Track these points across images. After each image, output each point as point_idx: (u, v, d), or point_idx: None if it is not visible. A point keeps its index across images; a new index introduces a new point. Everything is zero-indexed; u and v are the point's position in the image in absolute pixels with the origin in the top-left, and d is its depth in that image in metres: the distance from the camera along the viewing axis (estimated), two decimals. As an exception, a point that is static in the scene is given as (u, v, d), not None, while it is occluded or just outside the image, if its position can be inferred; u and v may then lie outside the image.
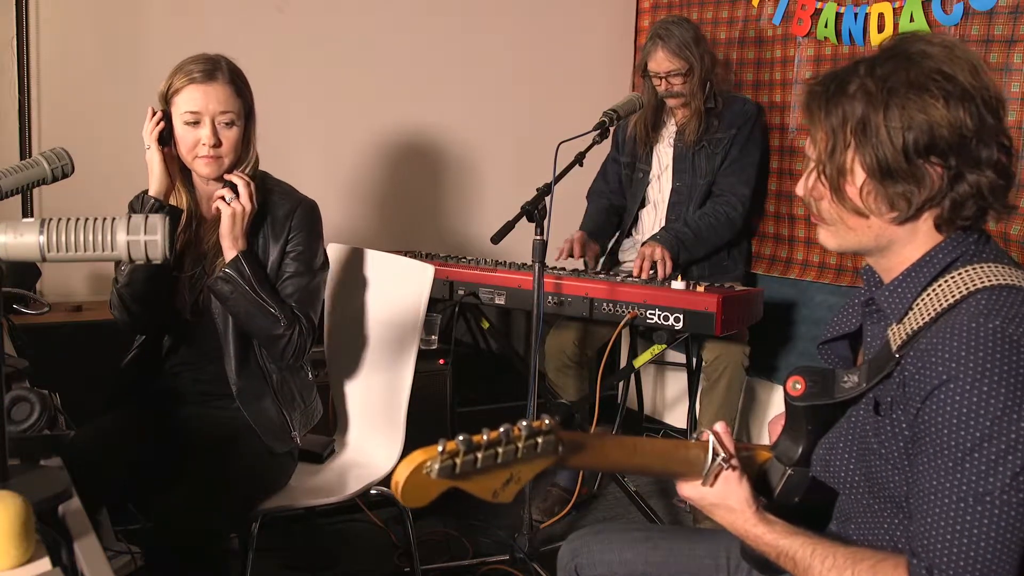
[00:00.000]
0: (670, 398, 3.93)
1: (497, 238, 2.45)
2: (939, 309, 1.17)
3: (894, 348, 1.20)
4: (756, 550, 1.28)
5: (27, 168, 1.78)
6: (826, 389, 1.31)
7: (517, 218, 2.41)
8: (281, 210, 2.05)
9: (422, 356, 2.32)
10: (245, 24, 3.18)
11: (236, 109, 1.98)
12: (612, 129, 2.62)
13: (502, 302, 2.91)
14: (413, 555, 2.33)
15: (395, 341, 2.32)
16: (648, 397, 3.94)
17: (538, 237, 2.38)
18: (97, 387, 2.07)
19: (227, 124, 1.97)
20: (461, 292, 2.96)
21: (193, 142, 1.96)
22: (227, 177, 1.99)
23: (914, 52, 1.19)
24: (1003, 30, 2.60)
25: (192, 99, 1.94)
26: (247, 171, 2.02)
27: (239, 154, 2.01)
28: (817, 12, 3.12)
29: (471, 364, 3.36)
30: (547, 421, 1.09)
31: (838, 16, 3.05)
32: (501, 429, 1.05)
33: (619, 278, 2.86)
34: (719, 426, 1.31)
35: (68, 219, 1.22)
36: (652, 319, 2.69)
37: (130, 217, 1.23)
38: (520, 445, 1.06)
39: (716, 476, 1.28)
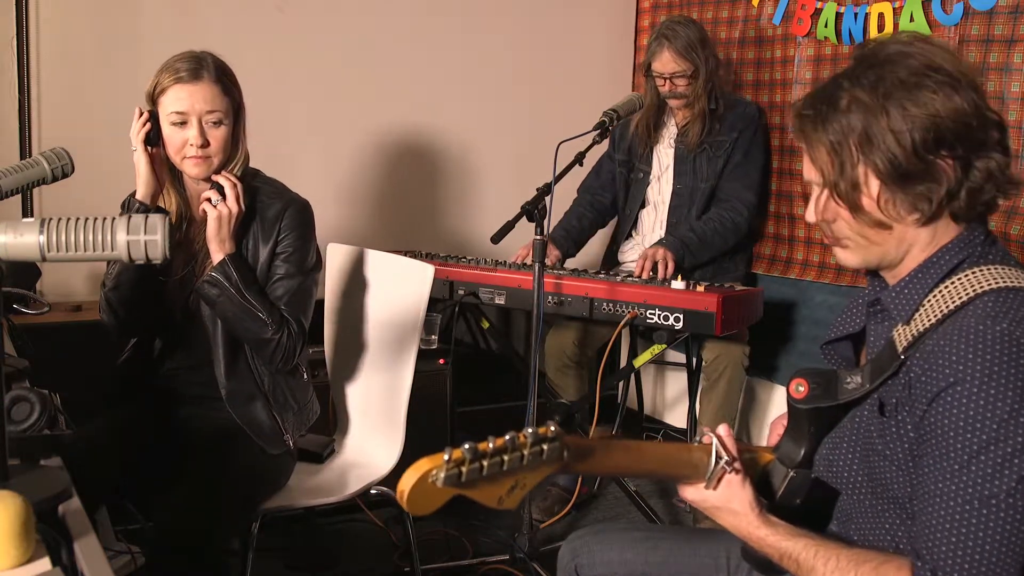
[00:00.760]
0: (670, 398, 3.93)
1: (497, 238, 2.45)
2: (946, 311, 1.17)
3: (899, 349, 1.20)
4: (758, 551, 1.28)
5: (27, 168, 1.78)
6: (829, 391, 1.31)
7: (517, 218, 2.41)
8: (271, 210, 2.02)
9: (422, 356, 2.32)
10: (245, 24, 3.18)
11: (223, 108, 1.94)
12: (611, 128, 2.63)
13: (502, 302, 2.91)
14: (413, 555, 2.33)
15: (395, 341, 2.32)
16: (648, 397, 3.94)
17: (538, 237, 2.38)
18: (97, 387, 2.07)
19: (214, 123, 1.94)
20: (461, 292, 2.96)
21: (180, 143, 1.93)
22: (214, 178, 1.96)
23: (892, 54, 1.19)
24: (1003, 30, 2.60)
25: (178, 99, 1.91)
26: (237, 169, 1.99)
27: (228, 153, 1.98)
28: (817, 12, 3.12)
29: (471, 364, 3.36)
30: (552, 428, 1.08)
31: (838, 16, 3.05)
32: (507, 437, 1.04)
33: (619, 278, 2.86)
34: (721, 429, 1.30)
35: (68, 219, 1.22)
36: (652, 319, 2.69)
37: (130, 217, 1.23)
38: (526, 452, 1.06)
39: (719, 479, 1.28)
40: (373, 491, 2.24)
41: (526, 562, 2.54)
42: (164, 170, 1.98)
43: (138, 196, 1.95)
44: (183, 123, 1.92)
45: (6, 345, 1.71)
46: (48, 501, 1.24)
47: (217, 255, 1.94)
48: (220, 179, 1.95)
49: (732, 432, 1.31)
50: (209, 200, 1.93)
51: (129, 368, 2.08)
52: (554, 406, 2.95)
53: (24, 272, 2.53)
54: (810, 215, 1.28)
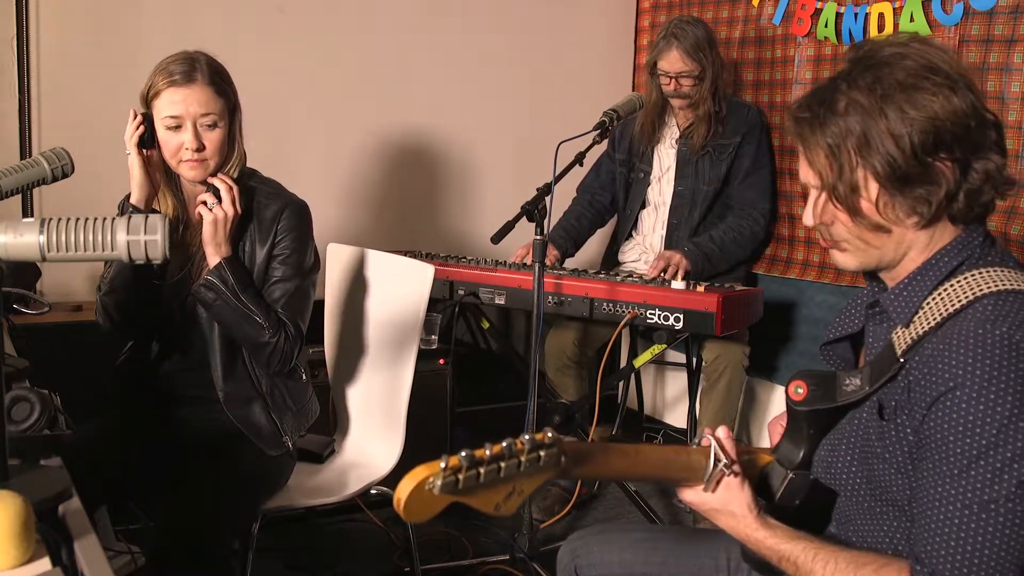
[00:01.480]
0: (670, 398, 3.93)
1: (497, 238, 2.45)
2: (945, 314, 1.16)
3: (899, 352, 1.20)
4: (757, 553, 1.28)
5: (27, 168, 1.78)
6: (828, 393, 1.30)
7: (517, 218, 2.41)
8: (268, 211, 2.01)
9: (422, 356, 2.32)
10: (245, 24, 3.18)
11: (217, 110, 1.92)
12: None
13: (502, 302, 2.91)
14: (413, 555, 2.33)
15: (395, 341, 2.32)
16: (648, 397, 3.94)
17: (538, 237, 2.38)
18: (97, 387, 2.07)
19: (209, 126, 1.92)
20: (461, 292, 2.96)
21: (176, 147, 1.91)
22: (210, 180, 1.94)
23: (889, 55, 1.19)
24: (1003, 30, 2.60)
25: (171, 103, 1.89)
26: (233, 171, 1.99)
27: (224, 154, 1.96)
28: (817, 12, 3.12)
29: (471, 364, 3.36)
30: (550, 434, 1.08)
31: (838, 16, 3.05)
32: (504, 444, 1.04)
33: (619, 278, 2.86)
34: (721, 431, 1.30)
35: (68, 219, 1.22)
36: (652, 319, 2.69)
37: (130, 217, 1.23)
38: (523, 459, 1.05)
39: (718, 482, 1.28)
40: (373, 491, 2.24)
41: (526, 562, 2.54)
42: (159, 173, 1.97)
43: (132, 200, 1.94)
44: (178, 127, 1.90)
45: (6, 345, 1.71)
46: (48, 501, 1.24)
47: (213, 258, 1.93)
48: (216, 181, 1.94)
49: (731, 434, 1.31)
50: (204, 203, 1.92)
51: (128, 369, 2.07)
52: (554, 406, 2.95)
53: (24, 272, 2.53)
54: (807, 218, 1.27)
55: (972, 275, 1.18)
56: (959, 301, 1.16)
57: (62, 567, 1.09)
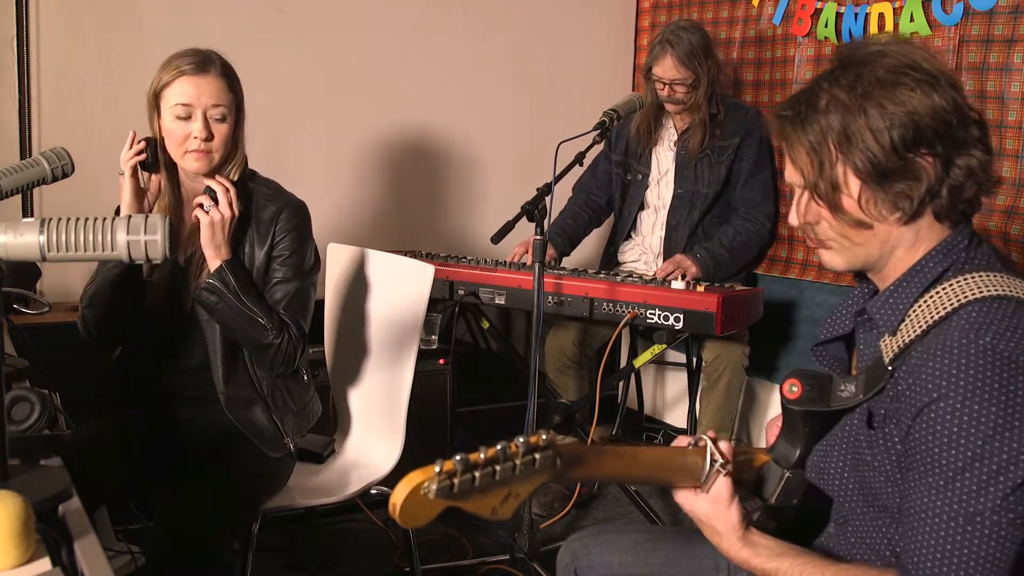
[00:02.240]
0: (670, 398, 3.93)
1: (497, 238, 2.45)
2: (930, 321, 1.16)
3: (887, 360, 1.20)
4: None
5: (27, 168, 1.78)
6: (822, 396, 1.30)
7: (517, 218, 2.41)
8: (267, 211, 2.01)
9: (422, 356, 2.32)
10: (245, 24, 3.18)
11: (228, 103, 1.94)
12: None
13: (502, 302, 2.91)
14: (413, 555, 2.33)
15: (395, 341, 2.32)
16: (648, 397, 3.94)
17: (538, 237, 2.38)
18: (97, 387, 2.07)
19: (218, 119, 1.93)
20: (461, 292, 2.96)
21: (183, 136, 1.91)
22: (206, 182, 1.94)
23: (870, 54, 1.19)
24: (1003, 30, 2.60)
25: (183, 91, 1.90)
26: (234, 172, 1.98)
27: (228, 151, 1.97)
28: (817, 12, 3.12)
29: (471, 364, 3.36)
30: (544, 436, 1.08)
31: (838, 16, 3.05)
32: (498, 447, 1.04)
33: (619, 278, 2.87)
34: (723, 445, 1.30)
35: (68, 219, 1.22)
36: (652, 319, 2.69)
37: (130, 217, 1.23)
38: (518, 462, 1.05)
39: (714, 481, 1.28)
40: (373, 491, 2.24)
41: (526, 562, 2.54)
42: (151, 199, 1.96)
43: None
44: (187, 116, 1.90)
45: (6, 345, 1.71)
46: (48, 501, 1.24)
47: (214, 261, 1.91)
48: (212, 183, 1.93)
49: (731, 446, 1.31)
50: (201, 206, 1.91)
51: (126, 370, 2.07)
52: (554, 406, 2.95)
53: (24, 272, 2.52)
54: (792, 218, 1.28)
55: (957, 281, 1.17)
56: (944, 309, 1.15)
57: (62, 567, 1.09)
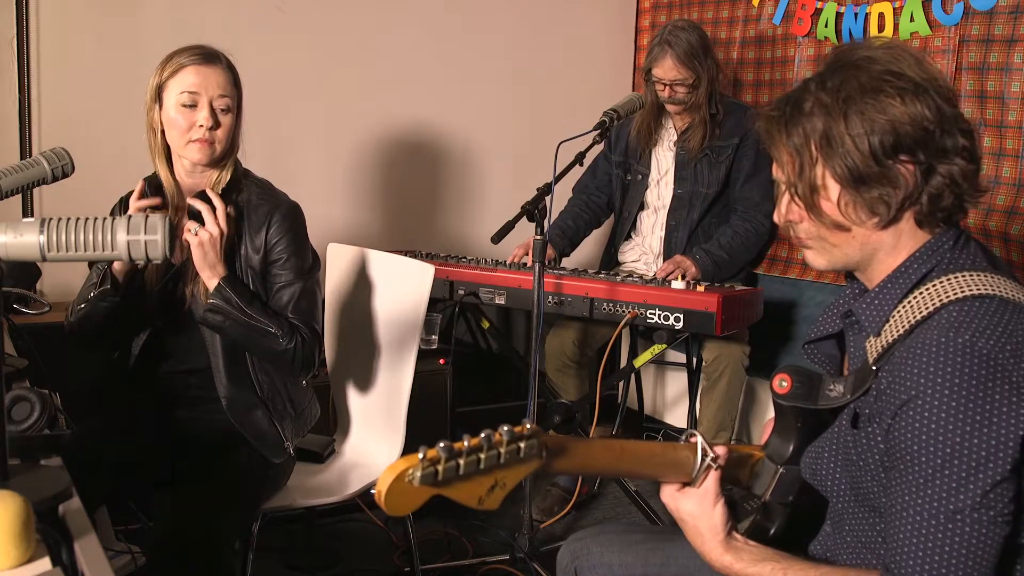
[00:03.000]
0: (670, 398, 3.93)
1: (497, 238, 2.45)
2: (912, 322, 1.17)
3: (871, 361, 1.21)
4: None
5: (27, 168, 1.78)
6: (811, 393, 1.31)
7: (517, 218, 2.41)
8: (259, 212, 1.99)
9: (422, 356, 2.32)
10: (245, 23, 3.18)
11: (233, 96, 1.96)
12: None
13: (502, 302, 2.91)
14: (413, 555, 2.33)
15: (395, 341, 2.32)
16: (648, 397, 3.94)
17: (538, 237, 2.38)
18: (97, 387, 2.07)
19: (224, 110, 1.93)
20: (461, 292, 2.96)
21: (188, 124, 1.91)
22: (190, 201, 1.91)
23: (859, 59, 1.20)
24: (1003, 30, 2.60)
25: (190, 80, 1.90)
26: (228, 169, 1.98)
27: (228, 146, 1.97)
28: (817, 12, 3.12)
29: (471, 364, 3.36)
30: (529, 425, 1.08)
31: (838, 16, 3.05)
32: (482, 435, 1.05)
33: (619, 278, 2.86)
34: (720, 449, 1.30)
35: (68, 219, 1.22)
36: (652, 319, 2.69)
37: (130, 217, 1.23)
38: (502, 450, 1.06)
39: (705, 477, 1.28)
40: (373, 491, 2.23)
41: (526, 562, 2.54)
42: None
43: (115, 268, 1.91)
44: (193, 105, 1.91)
45: (6, 345, 1.71)
46: (48, 501, 1.24)
47: (212, 281, 1.89)
48: (197, 203, 1.90)
49: (726, 446, 1.31)
50: (189, 230, 1.88)
51: (125, 370, 2.06)
52: (554, 406, 2.95)
53: (24, 272, 2.52)
54: (776, 216, 1.29)
55: (940, 282, 1.18)
56: (926, 309, 1.16)
57: (62, 567, 1.09)
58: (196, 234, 1.88)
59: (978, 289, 1.15)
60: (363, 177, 3.49)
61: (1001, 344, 1.09)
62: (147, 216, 1.24)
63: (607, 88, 3.79)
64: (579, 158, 2.53)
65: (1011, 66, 2.59)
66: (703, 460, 1.27)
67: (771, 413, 1.41)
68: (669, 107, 3.11)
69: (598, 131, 2.57)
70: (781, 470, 1.34)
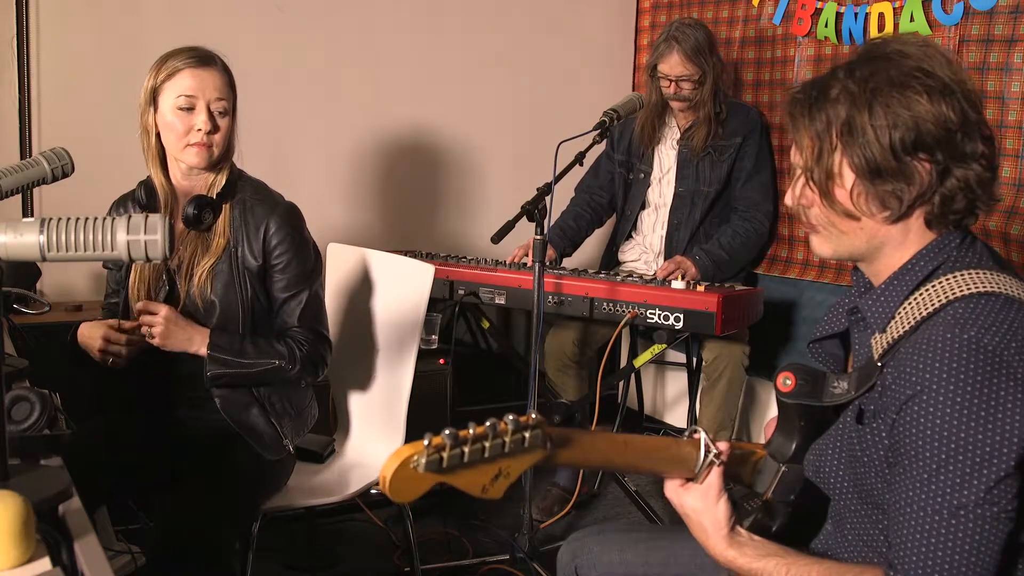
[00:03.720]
0: (670, 398, 3.93)
1: (497, 238, 2.45)
2: (918, 318, 1.17)
3: (876, 357, 1.21)
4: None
5: (27, 168, 1.78)
6: (816, 391, 1.31)
7: (517, 218, 2.41)
8: (255, 213, 1.99)
9: (422, 356, 2.32)
10: (245, 24, 3.18)
11: (229, 99, 1.95)
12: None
13: (502, 302, 2.91)
14: (413, 555, 2.33)
15: (395, 341, 2.32)
16: (648, 397, 3.94)
17: (538, 237, 2.38)
18: (96, 387, 2.07)
19: (221, 113, 1.93)
20: (461, 292, 2.96)
21: (186, 128, 1.90)
22: (140, 317, 1.88)
23: (891, 52, 1.20)
24: (1003, 30, 2.60)
25: (187, 84, 1.89)
26: (223, 173, 1.97)
27: (225, 149, 1.96)
28: (817, 12, 3.12)
29: (471, 364, 3.36)
30: (534, 415, 1.09)
31: (838, 16, 3.05)
32: (488, 423, 1.05)
33: (619, 278, 2.86)
34: (722, 445, 1.30)
35: (68, 219, 1.22)
36: (652, 319, 2.69)
37: (130, 217, 1.23)
38: (507, 439, 1.06)
39: (707, 473, 1.28)
40: (373, 491, 2.24)
41: (526, 562, 2.54)
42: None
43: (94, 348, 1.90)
44: (190, 108, 1.90)
45: (6, 345, 1.71)
46: (48, 501, 1.24)
47: (201, 350, 1.90)
48: (143, 320, 1.88)
49: (729, 445, 1.31)
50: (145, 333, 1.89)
51: (124, 372, 2.06)
52: (554, 406, 2.95)
53: (24, 272, 2.52)
54: (788, 198, 1.29)
55: (947, 279, 1.18)
56: (932, 306, 1.16)
57: (62, 567, 1.09)
58: (153, 336, 1.87)
59: (984, 287, 1.15)
60: (363, 177, 3.49)
61: (1006, 341, 1.09)
62: (147, 216, 1.24)
63: (607, 88, 3.79)
64: (579, 158, 2.53)
65: (1011, 66, 2.59)
66: (706, 456, 1.27)
67: (771, 413, 1.41)
68: (673, 104, 3.11)
69: (598, 131, 2.57)
70: (783, 468, 1.34)
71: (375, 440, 2.35)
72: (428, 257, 3.07)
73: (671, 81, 3.02)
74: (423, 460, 1.00)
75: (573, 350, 3.05)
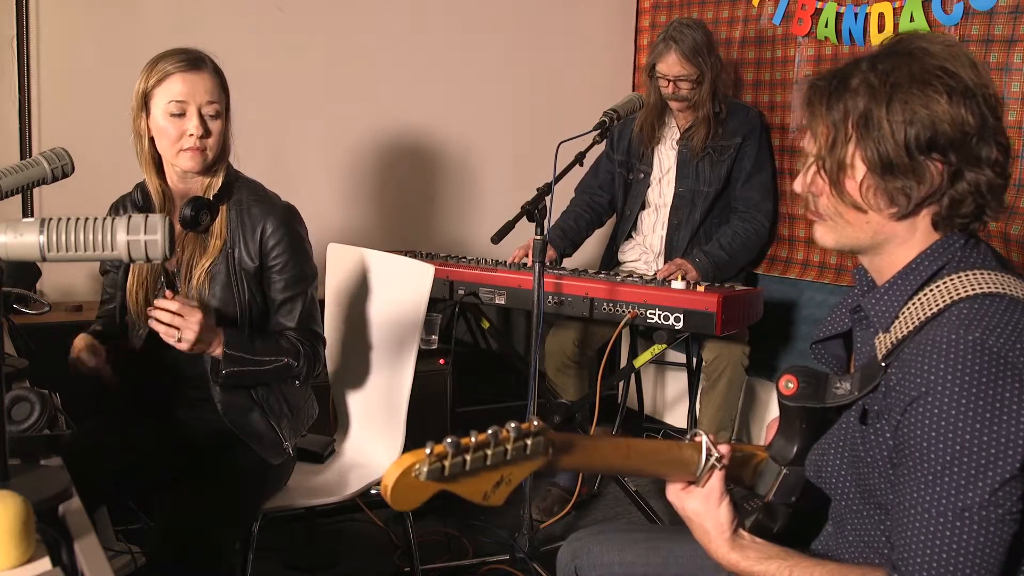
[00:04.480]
0: (670, 398, 3.93)
1: (497, 238, 2.45)
2: (922, 318, 1.17)
3: (880, 357, 1.20)
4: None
5: (27, 168, 1.78)
6: (818, 392, 1.31)
7: (517, 218, 2.41)
8: (251, 213, 1.98)
9: (422, 356, 2.32)
10: (245, 24, 3.18)
11: (221, 101, 1.93)
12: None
13: (502, 302, 2.91)
14: (413, 555, 2.33)
15: (395, 341, 2.32)
16: (648, 397, 3.94)
17: (538, 237, 2.38)
18: (96, 387, 2.06)
19: (213, 116, 1.91)
20: (461, 292, 2.96)
21: (178, 134, 1.89)
22: (151, 321, 1.84)
23: (916, 49, 1.19)
24: (1003, 30, 2.60)
25: (177, 89, 1.88)
26: (220, 174, 1.97)
27: (219, 150, 1.95)
28: (817, 12, 3.12)
29: (471, 364, 3.36)
30: (536, 422, 1.08)
31: (838, 16, 3.05)
32: (489, 431, 1.05)
33: (619, 278, 2.86)
34: (723, 448, 1.30)
35: (68, 219, 1.22)
36: (652, 319, 2.69)
37: (130, 217, 1.23)
38: (509, 447, 1.06)
39: (709, 476, 1.28)
40: (373, 491, 2.24)
41: (526, 562, 2.54)
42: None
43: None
44: (182, 114, 1.89)
45: (6, 345, 1.71)
46: (48, 501, 1.24)
47: (216, 349, 1.88)
48: (157, 327, 1.83)
49: (730, 446, 1.31)
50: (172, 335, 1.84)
51: (123, 373, 2.06)
52: (554, 406, 2.95)
53: (24, 272, 2.52)
54: (797, 184, 1.29)
55: (951, 279, 1.18)
56: (936, 306, 1.16)
57: (62, 567, 1.09)
58: (180, 341, 1.83)
59: (988, 287, 1.15)
60: (363, 177, 3.49)
61: (1011, 342, 1.09)
62: (147, 216, 1.24)
63: (607, 88, 3.79)
64: (579, 158, 2.53)
65: (1011, 66, 2.59)
66: (707, 459, 1.27)
67: (771, 413, 1.41)
68: (672, 104, 3.11)
69: (598, 131, 2.57)
70: (785, 471, 1.34)
71: (375, 440, 2.35)
72: (428, 257, 3.07)
73: (669, 81, 3.02)
74: (425, 468, 1.00)
75: (573, 350, 3.05)
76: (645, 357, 2.87)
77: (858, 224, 1.23)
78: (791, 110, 3.28)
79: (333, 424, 2.49)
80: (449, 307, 3.05)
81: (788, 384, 1.32)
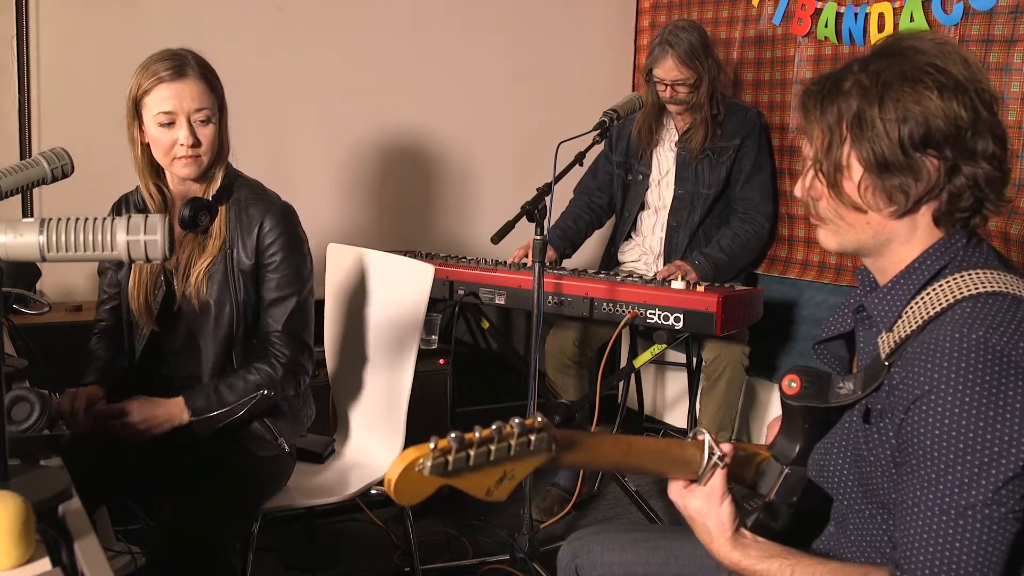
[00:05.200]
0: (670, 398, 3.93)
1: (497, 238, 2.45)
2: (925, 318, 1.17)
3: (883, 356, 1.21)
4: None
5: (27, 168, 1.78)
6: (821, 392, 1.31)
7: (517, 218, 2.41)
8: (250, 212, 1.98)
9: (422, 356, 2.32)
10: (245, 24, 3.18)
11: (210, 105, 1.91)
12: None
13: (502, 302, 2.91)
14: (413, 555, 2.33)
15: (395, 341, 2.32)
16: (648, 397, 3.94)
17: (538, 237, 2.38)
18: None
19: (203, 121, 1.90)
20: (461, 292, 2.96)
21: (169, 143, 1.89)
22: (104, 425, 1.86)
23: (906, 47, 1.20)
24: (1003, 30, 2.60)
25: (164, 99, 1.87)
26: (219, 174, 1.97)
27: (215, 151, 1.94)
28: (817, 12, 3.12)
29: (471, 364, 3.36)
30: (539, 419, 1.09)
31: (838, 16, 3.05)
32: (493, 427, 1.05)
33: (619, 278, 2.86)
34: (725, 447, 1.30)
35: (68, 219, 1.22)
36: (652, 319, 2.69)
37: (130, 217, 1.23)
38: (513, 443, 1.06)
39: (711, 475, 1.28)
40: (373, 491, 2.24)
41: (526, 562, 2.54)
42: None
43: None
44: (171, 123, 1.89)
45: (6, 345, 1.71)
46: (48, 501, 1.24)
47: (183, 419, 1.91)
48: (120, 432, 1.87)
49: (732, 445, 1.31)
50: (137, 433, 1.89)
51: (122, 373, 2.06)
52: (554, 406, 2.95)
53: (24, 272, 2.52)
54: (797, 190, 1.29)
55: (954, 278, 1.18)
56: (939, 305, 1.16)
57: (62, 567, 1.09)
58: (143, 433, 1.88)
59: (991, 286, 1.15)
60: (363, 177, 3.49)
61: (1014, 341, 1.09)
62: (147, 216, 1.24)
63: (607, 88, 3.79)
64: (579, 158, 2.53)
65: (1011, 66, 2.59)
66: (710, 458, 1.27)
67: (771, 413, 1.41)
68: (670, 107, 3.11)
69: (598, 131, 2.57)
70: (787, 471, 1.34)
71: (375, 440, 2.35)
72: (428, 257, 3.06)
73: (667, 85, 3.02)
74: (428, 463, 1.00)
75: (573, 350, 3.05)
76: (645, 357, 2.87)
77: (859, 225, 1.23)
78: (791, 110, 3.28)
79: (333, 424, 2.49)
80: (449, 307, 3.05)
81: (791, 384, 1.32)
